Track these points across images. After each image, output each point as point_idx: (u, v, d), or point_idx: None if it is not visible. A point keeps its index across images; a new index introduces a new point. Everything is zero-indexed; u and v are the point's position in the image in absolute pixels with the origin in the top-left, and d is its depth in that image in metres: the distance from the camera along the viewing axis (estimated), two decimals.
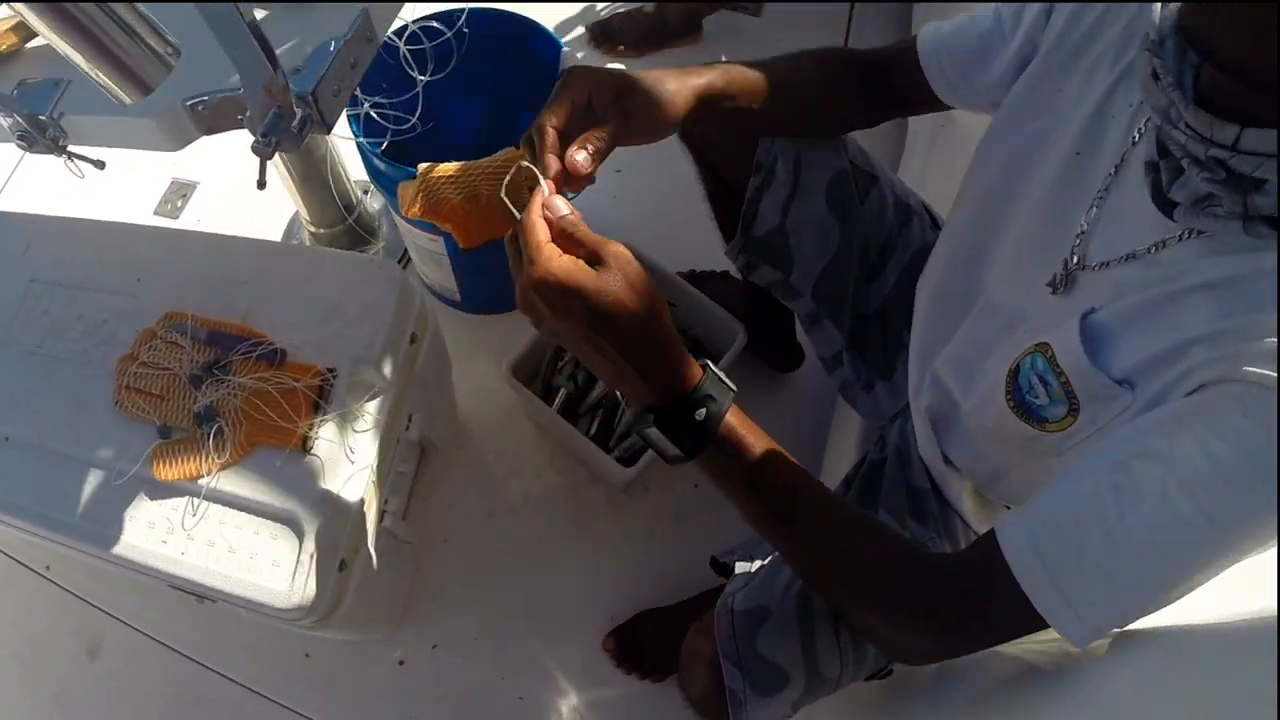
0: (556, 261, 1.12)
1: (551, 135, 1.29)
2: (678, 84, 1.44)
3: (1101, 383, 1.17)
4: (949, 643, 1.25)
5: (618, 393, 2.43)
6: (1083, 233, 1.28)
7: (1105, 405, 1.18)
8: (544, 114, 1.30)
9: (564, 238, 1.16)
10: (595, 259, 1.14)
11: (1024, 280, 1.40)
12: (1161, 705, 1.04)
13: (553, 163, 1.27)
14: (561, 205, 1.18)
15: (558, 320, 1.14)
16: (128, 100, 1.36)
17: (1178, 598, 1.07)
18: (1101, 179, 1.28)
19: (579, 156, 1.27)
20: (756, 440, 1.23)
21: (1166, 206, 1.12)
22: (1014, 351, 1.34)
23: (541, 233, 1.16)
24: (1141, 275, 1.18)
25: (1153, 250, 1.17)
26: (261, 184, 1.65)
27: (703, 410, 1.18)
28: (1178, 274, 1.13)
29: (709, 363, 1.21)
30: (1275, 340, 0.98)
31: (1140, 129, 1.22)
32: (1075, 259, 1.29)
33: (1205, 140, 1.02)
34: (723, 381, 1.21)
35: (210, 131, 1.67)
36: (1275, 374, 0.96)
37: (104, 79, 1.32)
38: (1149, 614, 1.09)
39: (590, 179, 1.30)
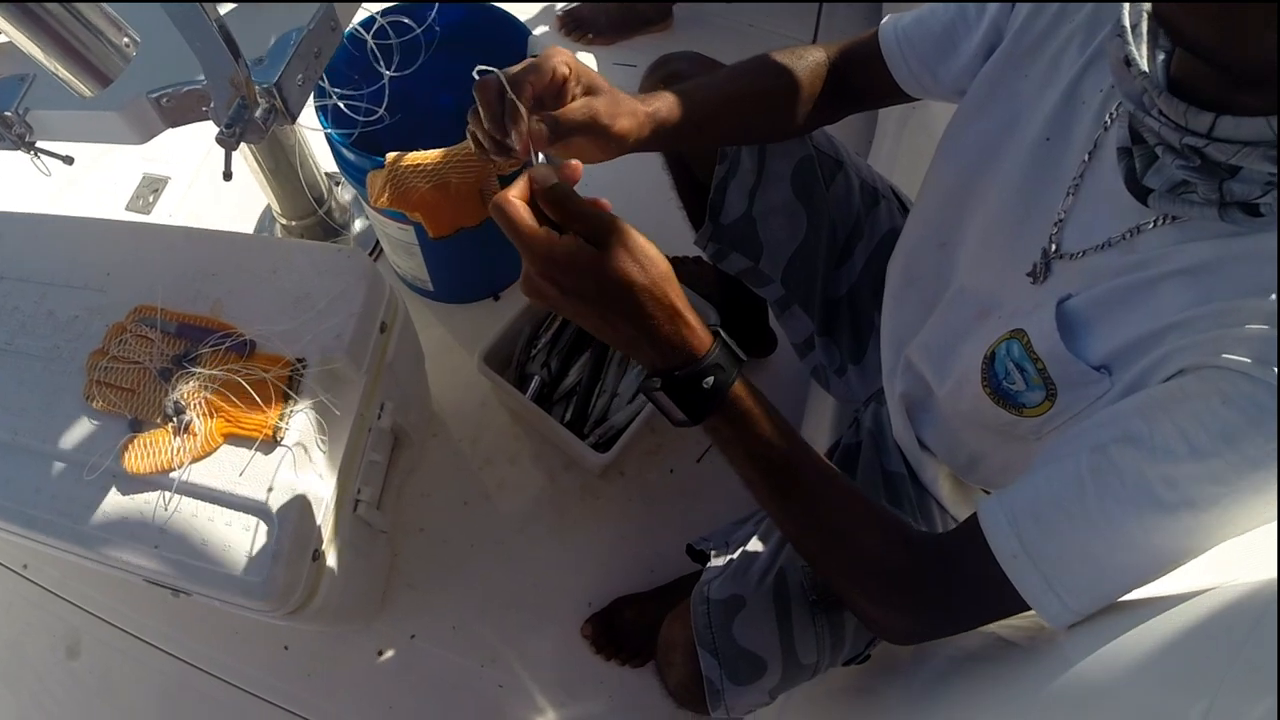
0: (559, 247, 1.09)
1: (529, 91, 1.27)
2: (636, 104, 1.43)
3: (1079, 369, 1.17)
4: (931, 622, 1.26)
5: (616, 361, 2.45)
6: (1060, 220, 1.29)
7: (1083, 390, 1.18)
8: (521, 70, 1.28)
9: (555, 207, 1.12)
10: (593, 235, 1.11)
11: (997, 267, 1.40)
12: (1130, 675, 1.05)
13: (539, 132, 1.25)
14: (549, 175, 1.13)
15: (567, 301, 1.12)
16: (88, 93, 1.36)
17: (1156, 579, 1.08)
18: (1075, 165, 1.28)
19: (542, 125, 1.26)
20: (761, 412, 1.21)
21: (1141, 193, 1.12)
22: (989, 338, 1.33)
23: (527, 216, 1.10)
24: (1117, 262, 1.18)
25: (1127, 236, 1.17)
26: (227, 175, 1.65)
27: (710, 379, 1.16)
28: (1153, 260, 1.13)
29: (720, 330, 1.19)
30: (1252, 327, 0.99)
31: (1112, 113, 1.22)
32: (1054, 247, 1.29)
33: (1180, 128, 1.03)
34: (733, 351, 1.19)
35: (176, 124, 1.67)
36: (1249, 360, 0.97)
37: (62, 72, 1.32)
38: (1127, 594, 1.10)
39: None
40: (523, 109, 1.25)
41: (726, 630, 1.53)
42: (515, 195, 1.11)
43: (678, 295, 1.14)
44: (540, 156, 1.25)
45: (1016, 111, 1.38)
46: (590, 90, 1.35)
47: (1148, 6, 1.07)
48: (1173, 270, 1.10)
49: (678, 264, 2.78)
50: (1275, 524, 1.01)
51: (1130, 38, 1.09)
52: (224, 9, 1.49)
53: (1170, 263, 1.11)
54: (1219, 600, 1.06)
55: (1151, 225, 1.14)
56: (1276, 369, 0.95)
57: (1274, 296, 0.99)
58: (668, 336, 1.14)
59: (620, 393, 2.48)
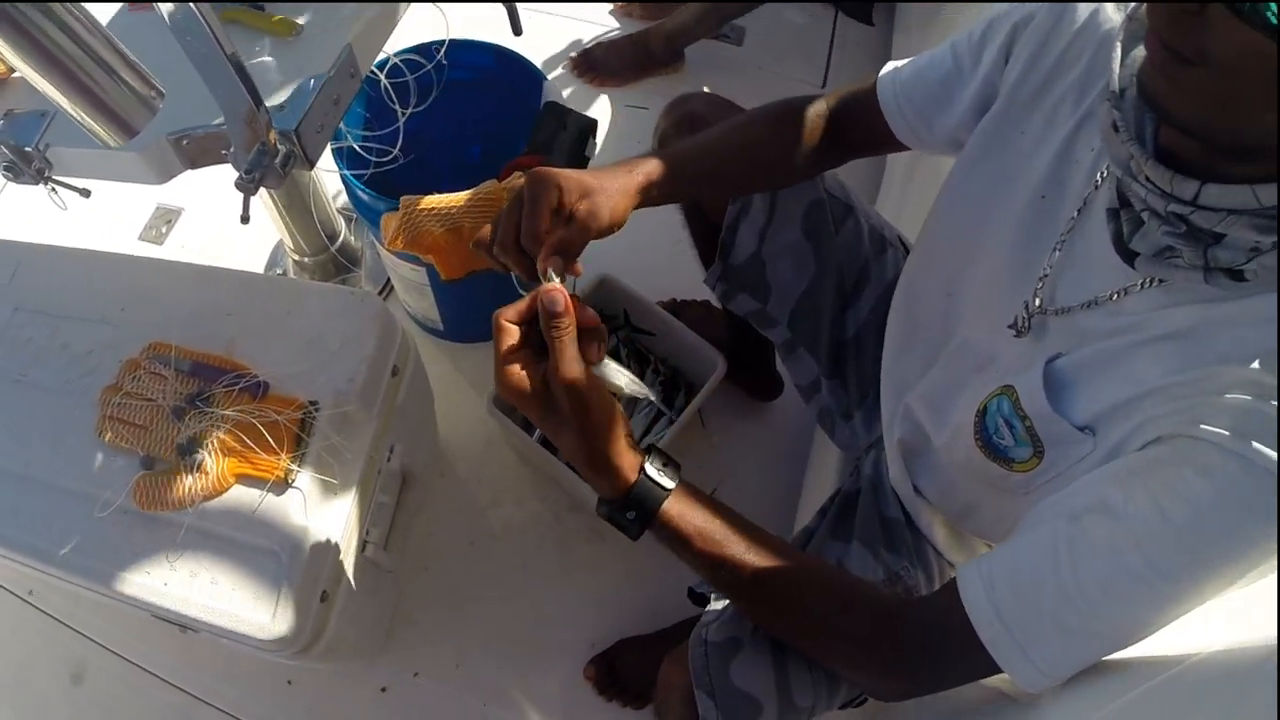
0: (511, 381, 1.19)
1: (546, 245, 1.31)
2: (623, 181, 1.46)
3: (1063, 429, 1.19)
4: (911, 688, 1.30)
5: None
6: (1045, 276, 1.30)
7: (1068, 450, 1.19)
8: (528, 221, 1.33)
9: (548, 334, 1.19)
10: (555, 372, 1.19)
11: (993, 321, 1.41)
12: None
13: (556, 263, 1.29)
14: (560, 301, 1.18)
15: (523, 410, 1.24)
16: (112, 143, 1.37)
17: (1132, 644, 1.10)
18: (1065, 222, 1.30)
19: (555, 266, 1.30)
20: (698, 523, 1.28)
21: (1128, 255, 1.14)
22: (983, 391, 1.35)
23: (513, 340, 1.21)
24: (1103, 323, 1.20)
25: (1115, 297, 1.19)
26: (245, 219, 1.66)
27: (631, 513, 1.26)
28: (1138, 324, 1.15)
29: (648, 459, 1.28)
30: (1229, 397, 1.01)
31: (1103, 173, 1.24)
32: (1038, 302, 1.31)
33: (1165, 194, 1.05)
34: (663, 470, 1.28)
35: (195, 166, 1.69)
36: (1224, 431, 0.99)
37: (88, 121, 1.33)
38: (1103, 657, 1.12)
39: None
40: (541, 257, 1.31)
41: (724, 672, 1.54)
42: (510, 319, 1.20)
43: (612, 440, 1.23)
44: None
45: (1014, 167, 1.40)
46: (584, 193, 1.38)
47: (1136, 71, 1.08)
48: (1156, 335, 1.12)
49: (685, 308, 2.79)
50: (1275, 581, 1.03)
51: (1119, 104, 1.11)
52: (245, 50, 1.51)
53: (1154, 328, 1.13)
54: (1213, 663, 1.08)
55: (1139, 287, 1.16)
56: (1277, 453, 0.95)
57: (1255, 364, 1.00)
58: (596, 474, 1.25)
59: None
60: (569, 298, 1.18)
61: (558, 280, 1.21)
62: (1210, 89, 0.94)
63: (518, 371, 1.19)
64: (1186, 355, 1.08)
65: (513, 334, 1.20)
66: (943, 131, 1.55)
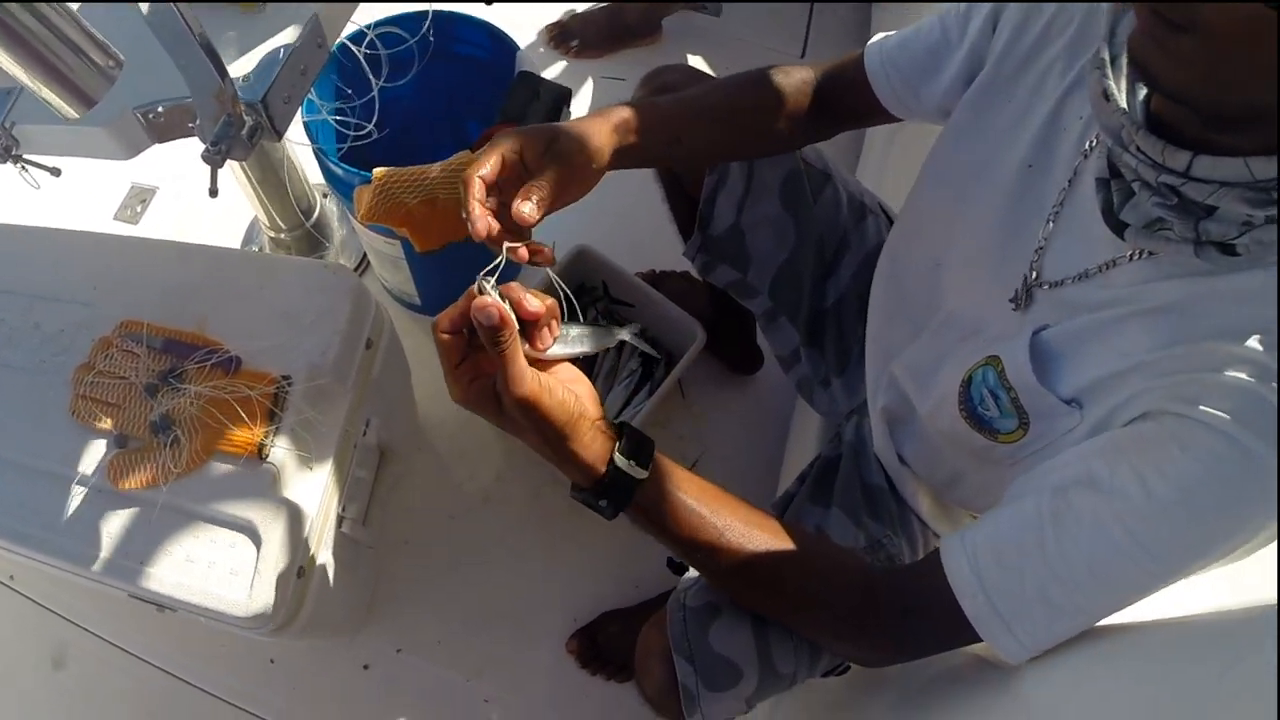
0: (462, 395, 1.17)
1: (478, 185, 1.27)
2: (598, 123, 1.42)
3: (1049, 401, 1.18)
4: (894, 656, 1.32)
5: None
6: (1040, 248, 1.29)
7: (1054, 422, 1.19)
8: (470, 168, 1.28)
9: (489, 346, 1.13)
10: (505, 378, 1.14)
11: (982, 292, 1.40)
12: (1110, 702, 1.05)
13: (481, 215, 1.25)
14: (493, 316, 1.09)
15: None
16: (72, 114, 1.36)
17: (1110, 615, 1.11)
18: (1055, 193, 1.28)
19: (525, 208, 1.25)
20: (671, 508, 1.27)
21: (1118, 226, 1.12)
22: (968, 361, 1.35)
23: (448, 355, 1.16)
24: (1092, 296, 1.19)
25: (1104, 269, 1.18)
26: (213, 192, 1.64)
27: (604, 501, 1.23)
28: (1127, 297, 1.14)
29: (618, 447, 1.24)
30: (1216, 375, 1.00)
31: (1092, 142, 1.22)
32: (1034, 274, 1.29)
33: (1157, 165, 1.03)
34: (633, 459, 1.24)
35: (162, 139, 1.67)
36: (1208, 409, 0.98)
37: (45, 93, 1.31)
38: (1083, 629, 1.12)
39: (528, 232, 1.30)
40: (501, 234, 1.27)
41: (702, 637, 1.53)
42: (446, 329, 1.15)
43: (575, 439, 1.19)
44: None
45: (1001, 136, 1.38)
46: (550, 139, 1.34)
47: (1125, 40, 1.06)
48: (1144, 309, 1.11)
49: (665, 279, 2.78)
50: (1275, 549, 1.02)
51: (1109, 71, 1.10)
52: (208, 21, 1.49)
53: (1142, 301, 1.12)
54: (1204, 626, 1.07)
55: (1127, 259, 1.15)
56: (1276, 386, 0.95)
57: (1250, 342, 0.99)
58: (566, 467, 1.21)
59: (606, 408, 2.46)
60: (502, 308, 1.09)
61: (492, 292, 1.12)
62: (1200, 56, 0.92)
63: (467, 385, 1.16)
64: (1175, 329, 1.08)
65: (454, 347, 1.16)
66: (930, 100, 1.53)
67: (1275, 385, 0.96)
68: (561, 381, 1.18)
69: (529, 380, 1.12)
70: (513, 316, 1.10)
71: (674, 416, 2.76)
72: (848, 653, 1.40)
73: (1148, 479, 1.01)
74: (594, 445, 1.20)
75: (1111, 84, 1.09)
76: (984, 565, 1.15)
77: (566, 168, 1.33)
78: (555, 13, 3.57)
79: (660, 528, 1.27)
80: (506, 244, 1.22)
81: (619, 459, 1.22)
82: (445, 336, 1.14)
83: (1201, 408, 0.99)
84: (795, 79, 1.61)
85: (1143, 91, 1.09)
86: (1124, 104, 1.08)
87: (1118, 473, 1.04)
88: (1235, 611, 1.07)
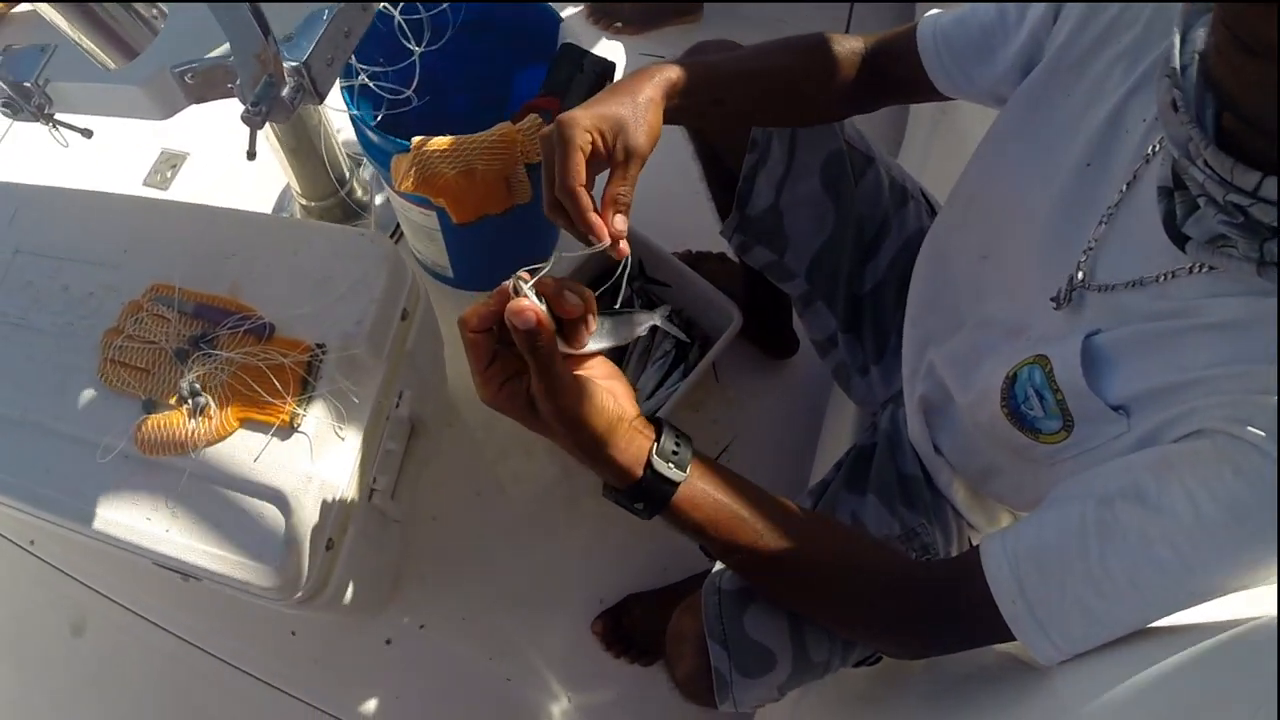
0: (493, 399, 1.13)
1: (585, 197, 1.22)
2: (646, 93, 1.37)
3: (1097, 406, 1.16)
4: (927, 651, 1.33)
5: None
6: (1090, 249, 1.26)
7: (1100, 428, 1.18)
8: (565, 177, 1.22)
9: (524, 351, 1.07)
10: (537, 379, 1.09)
11: (1030, 290, 1.38)
12: (1146, 703, 1.04)
13: (602, 225, 1.21)
14: (530, 320, 1.03)
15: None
16: (112, 65, 1.33)
17: (1144, 626, 1.10)
18: (1112, 194, 1.25)
19: (619, 222, 1.23)
20: (708, 512, 1.24)
21: (1179, 239, 1.10)
22: (1014, 358, 1.33)
23: (478, 356, 1.10)
24: (1148, 305, 1.17)
25: (1161, 280, 1.15)
26: (251, 154, 1.62)
27: (640, 504, 1.20)
28: (1185, 310, 1.12)
29: (656, 447, 1.19)
30: (1269, 397, 0.99)
31: (1155, 147, 1.19)
32: (1080, 275, 1.27)
33: (1225, 183, 1.00)
34: (672, 459, 1.20)
35: (199, 100, 1.65)
36: (1273, 436, 0.97)
37: (86, 42, 1.29)
38: (1114, 639, 1.12)
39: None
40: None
41: (738, 622, 1.52)
42: (476, 328, 1.09)
43: (611, 444, 1.15)
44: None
45: (1058, 132, 1.35)
46: (617, 129, 1.28)
47: (1199, 47, 1.03)
48: (1203, 324, 1.09)
49: (702, 260, 2.76)
50: None
51: (1180, 80, 1.06)
52: None
53: (1201, 316, 1.10)
54: (1248, 632, 1.05)
55: (1187, 272, 1.12)
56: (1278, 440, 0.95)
57: None
58: (599, 470, 1.18)
59: (639, 388, 2.45)
60: (540, 311, 1.04)
61: (530, 294, 1.05)
62: (1273, 82, 0.89)
63: (498, 388, 1.11)
64: (1236, 348, 1.06)
65: (484, 347, 1.10)
66: (983, 83, 1.50)
67: None
68: (599, 382, 1.14)
69: (568, 390, 1.09)
70: (549, 318, 1.05)
71: (707, 400, 2.74)
72: (884, 648, 1.40)
73: (1197, 498, 1.01)
74: (631, 448, 1.17)
75: (1180, 95, 1.06)
76: (1025, 571, 1.14)
77: (639, 158, 1.30)
78: None
79: (697, 529, 1.24)
80: (600, 244, 1.19)
81: (657, 462, 1.18)
82: (474, 335, 1.09)
83: (1258, 431, 0.98)
84: (846, 47, 1.58)
85: (1213, 107, 1.06)
86: (1193, 117, 1.05)
87: (1167, 490, 1.03)
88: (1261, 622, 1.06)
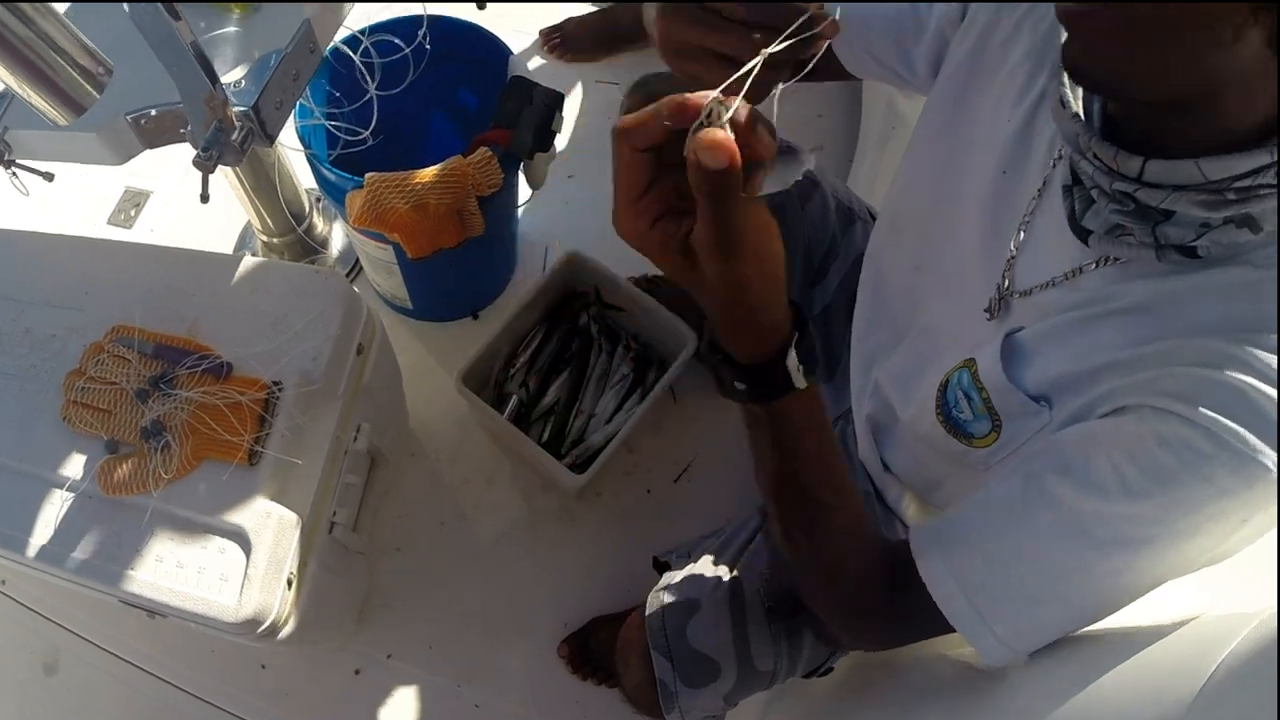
0: (640, 239, 0.94)
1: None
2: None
3: (1018, 399, 1.18)
4: (877, 633, 1.34)
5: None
6: (1012, 257, 1.29)
7: (1024, 422, 1.18)
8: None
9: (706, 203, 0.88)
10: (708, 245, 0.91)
11: (960, 300, 1.40)
12: (1097, 709, 1.06)
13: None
14: (723, 158, 0.82)
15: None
16: (62, 121, 1.36)
17: (1097, 619, 1.10)
18: (1027, 201, 1.28)
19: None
20: (793, 438, 1.16)
21: (1082, 233, 1.12)
22: (947, 366, 1.34)
23: (633, 179, 0.90)
24: (1063, 298, 1.19)
25: (1071, 275, 1.17)
26: (204, 198, 1.65)
27: (744, 385, 1.09)
28: (1096, 298, 1.13)
29: (795, 345, 1.06)
30: (1191, 370, 1.00)
31: (1061, 150, 1.21)
32: (1006, 283, 1.29)
33: (1111, 172, 1.03)
34: (801, 367, 1.07)
35: (154, 145, 1.68)
36: (1186, 404, 0.98)
37: (35, 100, 1.32)
38: (1068, 633, 1.12)
39: None
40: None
41: (680, 633, 1.54)
42: (639, 144, 0.88)
43: (764, 312, 1.02)
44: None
45: (977, 138, 1.37)
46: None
47: None
48: (1113, 309, 1.11)
49: (659, 284, 2.78)
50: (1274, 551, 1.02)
51: (1067, 79, 1.10)
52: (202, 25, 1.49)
53: (1111, 301, 1.12)
54: (1194, 633, 1.07)
55: (1094, 266, 1.15)
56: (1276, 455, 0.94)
57: (1222, 336, 1.00)
58: (733, 338, 1.07)
59: (597, 413, 2.49)
60: (733, 147, 0.83)
61: (727, 119, 0.84)
62: (1111, 31, 0.92)
63: (648, 226, 0.92)
64: (1149, 328, 1.07)
65: (642, 171, 0.90)
66: (889, 63, 1.51)
67: (1251, 379, 0.96)
68: (772, 245, 0.96)
69: (742, 247, 0.91)
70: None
71: (666, 421, 2.75)
72: (847, 624, 1.33)
73: (1123, 470, 1.01)
74: (776, 330, 1.05)
75: (1068, 91, 1.09)
76: (956, 553, 1.14)
77: None
78: (550, 16, 3.57)
79: (771, 446, 1.16)
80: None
81: (792, 357, 1.06)
82: (634, 155, 0.89)
83: (1180, 402, 0.99)
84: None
85: (1099, 100, 1.09)
86: (1079, 110, 1.08)
87: (1093, 464, 1.04)
88: (1224, 618, 1.08)
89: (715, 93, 0.84)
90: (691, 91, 0.85)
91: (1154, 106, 1.00)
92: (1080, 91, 1.09)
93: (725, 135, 0.82)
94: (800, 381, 1.07)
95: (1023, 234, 1.28)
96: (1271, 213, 0.98)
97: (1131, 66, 0.96)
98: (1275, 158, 0.95)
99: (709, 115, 0.84)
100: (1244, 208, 0.98)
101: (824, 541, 1.25)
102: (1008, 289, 1.29)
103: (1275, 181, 0.96)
